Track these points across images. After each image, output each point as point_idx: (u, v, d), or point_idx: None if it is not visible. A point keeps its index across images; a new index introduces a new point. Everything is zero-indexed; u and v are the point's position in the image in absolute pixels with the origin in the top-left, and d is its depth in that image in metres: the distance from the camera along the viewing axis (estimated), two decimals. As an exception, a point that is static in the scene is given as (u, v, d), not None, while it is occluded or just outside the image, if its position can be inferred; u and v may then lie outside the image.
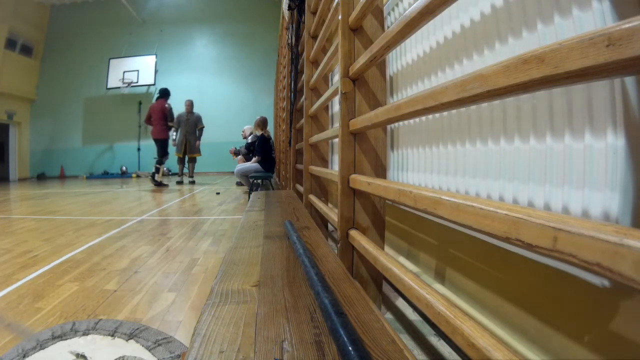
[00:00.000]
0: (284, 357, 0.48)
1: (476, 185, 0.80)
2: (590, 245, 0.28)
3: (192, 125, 6.86)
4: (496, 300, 0.75)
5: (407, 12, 0.66)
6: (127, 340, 1.06)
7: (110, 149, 10.39)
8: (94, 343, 1.05)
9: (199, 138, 6.96)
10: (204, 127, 7.01)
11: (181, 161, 7.03)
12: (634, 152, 0.47)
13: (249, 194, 4.23)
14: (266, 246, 1.05)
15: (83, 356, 0.98)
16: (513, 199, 0.68)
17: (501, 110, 0.71)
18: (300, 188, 2.37)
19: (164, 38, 10.46)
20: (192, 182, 7.14)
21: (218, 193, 5.25)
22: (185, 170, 7.28)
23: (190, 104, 6.85)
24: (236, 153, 5.67)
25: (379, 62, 0.93)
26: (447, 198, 0.51)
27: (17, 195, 5.81)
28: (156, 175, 6.48)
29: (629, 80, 0.47)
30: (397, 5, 1.21)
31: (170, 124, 6.49)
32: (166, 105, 6.49)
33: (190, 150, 6.90)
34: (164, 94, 6.68)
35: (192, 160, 7.14)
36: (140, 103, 10.24)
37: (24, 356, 0.98)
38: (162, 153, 6.50)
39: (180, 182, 7.12)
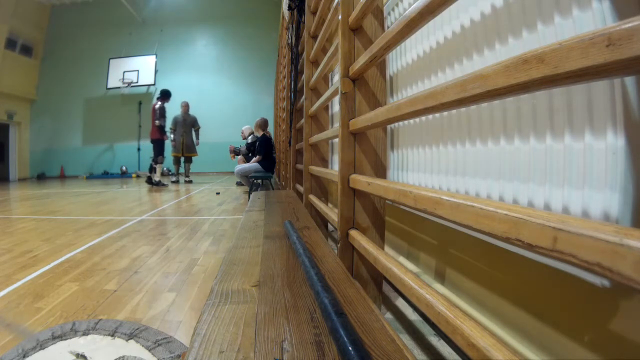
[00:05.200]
0: (284, 357, 0.48)
1: (476, 185, 0.80)
2: (590, 245, 0.28)
3: (189, 126, 7.01)
4: (496, 300, 0.75)
5: (407, 12, 0.66)
6: (127, 340, 1.06)
7: (110, 149, 10.39)
8: (94, 343, 1.05)
9: (197, 136, 7.08)
10: (200, 127, 7.17)
11: (177, 161, 7.09)
12: (634, 152, 0.47)
13: (249, 194, 4.23)
14: (266, 246, 1.05)
15: (83, 356, 0.98)
16: (513, 199, 0.68)
17: (501, 110, 0.71)
18: (300, 188, 2.37)
19: (164, 38, 10.46)
20: (189, 182, 7.19)
21: (218, 193, 5.25)
22: (182, 170, 7.34)
23: (186, 106, 6.99)
24: (235, 152, 5.68)
25: (379, 62, 0.93)
26: (447, 198, 0.51)
27: (17, 195, 5.81)
28: (154, 175, 6.50)
29: (629, 80, 0.47)
30: (397, 5, 1.21)
31: (157, 122, 6.46)
32: (157, 106, 6.50)
33: (187, 150, 6.98)
34: (161, 94, 6.71)
35: (189, 160, 7.23)
36: (140, 103, 10.25)
37: (24, 356, 0.98)
38: (157, 153, 6.52)
39: (175, 182, 7.15)
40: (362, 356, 0.45)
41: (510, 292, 0.72)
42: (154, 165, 6.53)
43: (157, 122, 6.42)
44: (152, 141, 6.55)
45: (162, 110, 6.51)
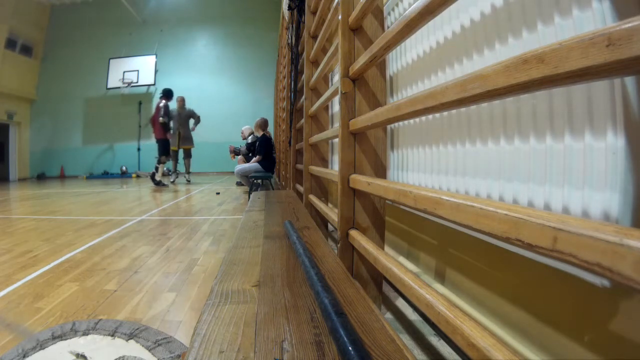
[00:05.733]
0: (284, 357, 0.48)
1: (476, 185, 0.80)
2: (590, 245, 0.28)
3: (184, 118, 7.00)
4: (496, 300, 0.75)
5: (407, 12, 0.66)
6: (127, 340, 1.06)
7: (110, 149, 10.39)
8: (94, 343, 1.05)
9: (196, 124, 7.10)
10: (199, 116, 7.17)
11: (175, 155, 7.06)
12: (634, 152, 0.47)
13: (249, 194, 4.24)
14: (266, 246, 1.05)
15: (83, 356, 0.98)
16: (513, 199, 0.68)
17: (501, 110, 0.71)
18: (300, 188, 2.37)
19: (164, 38, 10.46)
20: (188, 182, 7.16)
21: (218, 193, 5.25)
22: (181, 170, 7.31)
23: (181, 100, 7.00)
24: (235, 152, 5.68)
25: (379, 62, 0.93)
26: (447, 198, 0.51)
27: (17, 195, 5.81)
28: (155, 174, 6.51)
29: (629, 80, 0.47)
30: (397, 5, 1.21)
31: (161, 119, 6.47)
32: (160, 105, 6.52)
33: (183, 142, 6.98)
34: (163, 93, 6.73)
35: (188, 155, 7.18)
36: (140, 103, 10.25)
37: (24, 356, 0.98)
38: (160, 153, 6.55)
39: (174, 182, 7.12)
40: (362, 356, 0.45)
41: (510, 292, 0.72)
42: (157, 165, 6.55)
43: (161, 119, 6.43)
44: (157, 141, 6.58)
45: (167, 108, 6.53)
